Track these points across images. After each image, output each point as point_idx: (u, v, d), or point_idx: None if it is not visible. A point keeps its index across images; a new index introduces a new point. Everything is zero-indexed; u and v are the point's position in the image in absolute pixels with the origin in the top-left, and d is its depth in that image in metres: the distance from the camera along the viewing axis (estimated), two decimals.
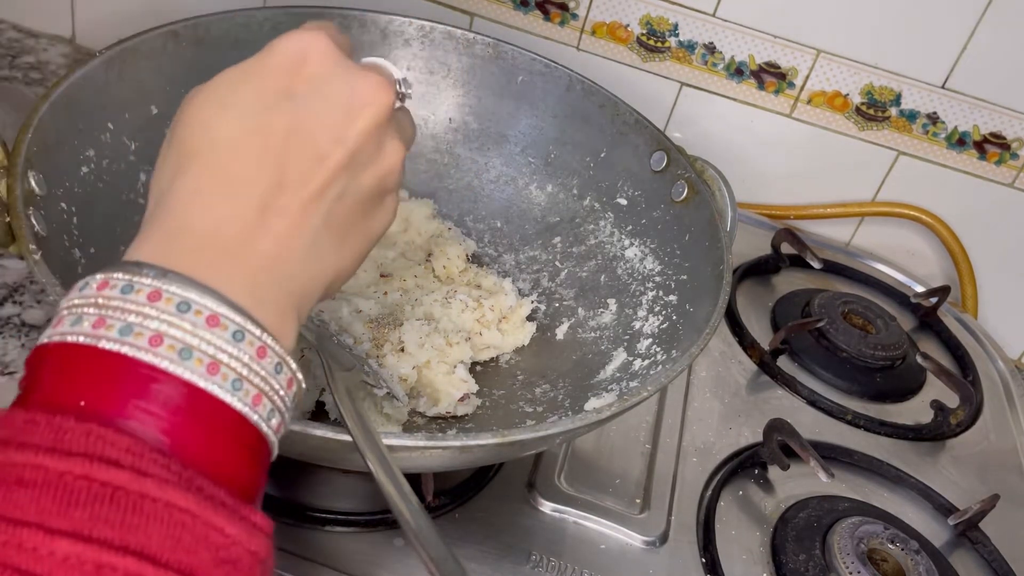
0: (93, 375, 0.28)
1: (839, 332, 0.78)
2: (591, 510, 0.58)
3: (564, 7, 0.86)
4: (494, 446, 0.42)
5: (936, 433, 0.74)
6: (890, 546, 0.60)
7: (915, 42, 0.81)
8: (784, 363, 0.77)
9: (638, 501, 0.60)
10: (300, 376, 0.32)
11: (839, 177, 0.91)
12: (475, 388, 0.60)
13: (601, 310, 0.66)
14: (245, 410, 0.29)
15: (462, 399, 0.58)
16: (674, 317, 0.60)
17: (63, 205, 0.50)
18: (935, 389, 0.79)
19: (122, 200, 0.56)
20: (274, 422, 0.31)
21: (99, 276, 0.29)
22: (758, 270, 0.87)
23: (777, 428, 0.64)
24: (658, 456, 0.64)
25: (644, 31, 0.85)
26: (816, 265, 0.82)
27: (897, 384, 0.78)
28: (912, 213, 0.89)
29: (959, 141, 0.85)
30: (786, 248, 0.86)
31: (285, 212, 0.32)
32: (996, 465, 0.73)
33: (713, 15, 0.83)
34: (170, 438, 0.27)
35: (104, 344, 0.28)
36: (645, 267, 0.65)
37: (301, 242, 0.32)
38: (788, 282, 0.87)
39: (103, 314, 0.28)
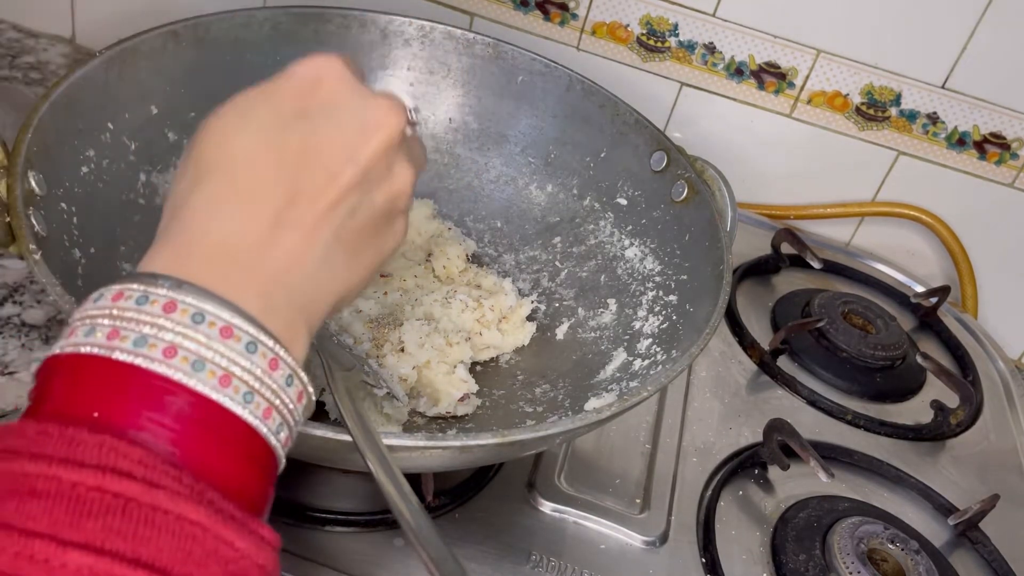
0: (106, 386, 0.28)
1: (839, 332, 0.78)
2: (591, 510, 0.58)
3: (564, 7, 0.86)
4: (494, 446, 0.42)
5: (936, 433, 0.74)
6: (890, 546, 0.60)
7: (915, 42, 0.81)
8: (784, 363, 0.77)
9: (638, 501, 0.60)
10: (311, 390, 0.32)
11: (839, 177, 0.91)
12: (475, 388, 0.60)
13: (601, 310, 0.66)
14: (255, 423, 0.29)
15: (462, 399, 0.58)
16: (674, 317, 0.60)
17: (63, 205, 0.50)
18: (935, 389, 0.79)
19: (122, 200, 0.56)
20: (283, 435, 0.31)
21: (114, 287, 0.30)
22: (758, 270, 0.87)
23: (777, 428, 0.64)
24: (658, 456, 0.64)
25: (644, 31, 0.85)
26: (816, 265, 0.82)
27: (897, 384, 0.78)
28: (912, 213, 0.89)
29: (959, 141, 0.85)
30: (786, 248, 0.86)
31: (298, 225, 0.33)
32: (996, 465, 0.73)
33: (713, 15, 0.83)
34: (181, 449, 0.27)
35: (118, 355, 0.28)
36: (645, 267, 0.65)
37: (312, 255, 0.33)
38: (788, 282, 0.87)
39: (117, 325, 0.28)
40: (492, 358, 0.64)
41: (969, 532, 0.66)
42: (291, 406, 0.31)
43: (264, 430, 0.30)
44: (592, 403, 0.57)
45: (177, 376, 0.28)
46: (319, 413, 0.57)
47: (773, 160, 0.90)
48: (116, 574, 0.24)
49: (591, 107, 0.70)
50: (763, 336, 0.79)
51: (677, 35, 0.85)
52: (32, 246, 0.42)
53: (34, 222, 0.45)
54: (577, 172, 0.71)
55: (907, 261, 0.94)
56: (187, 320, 0.29)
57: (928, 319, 0.87)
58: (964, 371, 0.83)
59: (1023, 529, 0.68)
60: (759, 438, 0.66)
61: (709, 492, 0.63)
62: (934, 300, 0.86)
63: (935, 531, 0.66)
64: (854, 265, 0.91)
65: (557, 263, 0.70)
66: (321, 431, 0.38)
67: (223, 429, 0.29)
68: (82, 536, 0.25)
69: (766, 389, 0.74)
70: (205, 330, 0.29)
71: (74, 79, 0.52)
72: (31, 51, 0.90)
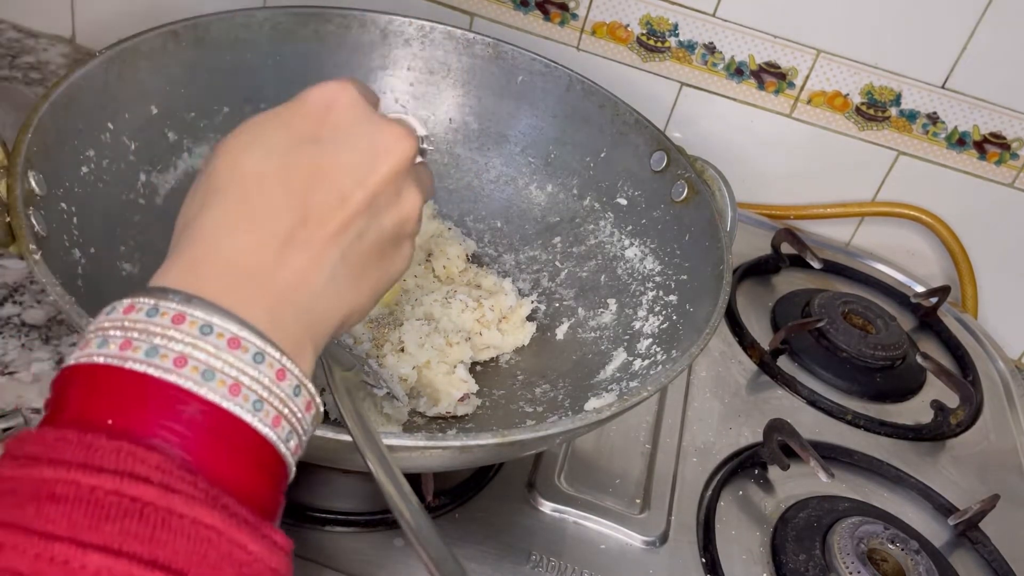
0: (120, 395, 0.28)
1: (839, 332, 0.78)
2: (591, 510, 0.58)
3: (564, 7, 0.86)
4: (494, 446, 0.42)
5: (936, 433, 0.74)
6: (890, 546, 0.60)
7: (915, 42, 0.81)
8: (784, 363, 0.77)
9: (638, 501, 0.60)
10: (319, 401, 0.33)
11: (839, 177, 0.91)
12: (475, 388, 0.60)
13: (601, 310, 0.66)
14: (265, 430, 0.30)
15: (462, 399, 0.58)
16: (674, 317, 0.60)
17: (63, 205, 0.50)
18: (935, 389, 0.79)
19: (122, 200, 0.56)
20: (292, 444, 0.31)
21: (125, 300, 0.30)
22: (758, 270, 0.87)
23: (777, 428, 0.64)
24: (658, 456, 0.64)
25: (644, 31, 0.85)
26: (816, 265, 0.82)
27: (897, 384, 0.78)
28: (912, 213, 0.89)
29: (959, 141, 0.85)
30: (786, 248, 0.86)
31: (306, 246, 0.33)
32: (996, 465, 0.73)
33: (713, 15, 0.83)
34: (193, 456, 0.28)
35: (131, 365, 0.29)
36: (645, 267, 0.65)
37: (320, 276, 0.34)
38: (788, 282, 0.87)
39: (129, 336, 0.29)
40: (492, 358, 0.64)
41: (969, 532, 0.66)
42: (300, 415, 0.32)
43: (274, 438, 0.30)
44: (592, 403, 0.57)
45: (188, 385, 0.28)
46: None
47: (773, 160, 0.90)
48: (134, 575, 0.25)
49: (591, 107, 0.70)
50: (763, 336, 0.79)
51: (677, 35, 0.85)
52: (32, 246, 0.42)
53: (34, 222, 0.45)
54: (577, 172, 0.71)
55: (907, 261, 0.94)
56: (196, 331, 0.29)
57: (928, 319, 0.87)
58: (964, 371, 0.83)
59: (1023, 529, 0.68)
60: (759, 438, 0.66)
61: (709, 492, 0.63)
62: (934, 300, 0.86)
63: (935, 531, 0.66)
64: (854, 265, 0.91)
65: (557, 263, 0.70)
66: (321, 431, 0.38)
67: (234, 437, 0.29)
68: (101, 539, 0.25)
69: (766, 389, 0.74)
70: (214, 341, 0.29)
71: (74, 79, 0.52)
72: (31, 51, 0.90)
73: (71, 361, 0.30)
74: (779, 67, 0.85)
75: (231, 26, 0.62)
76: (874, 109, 0.85)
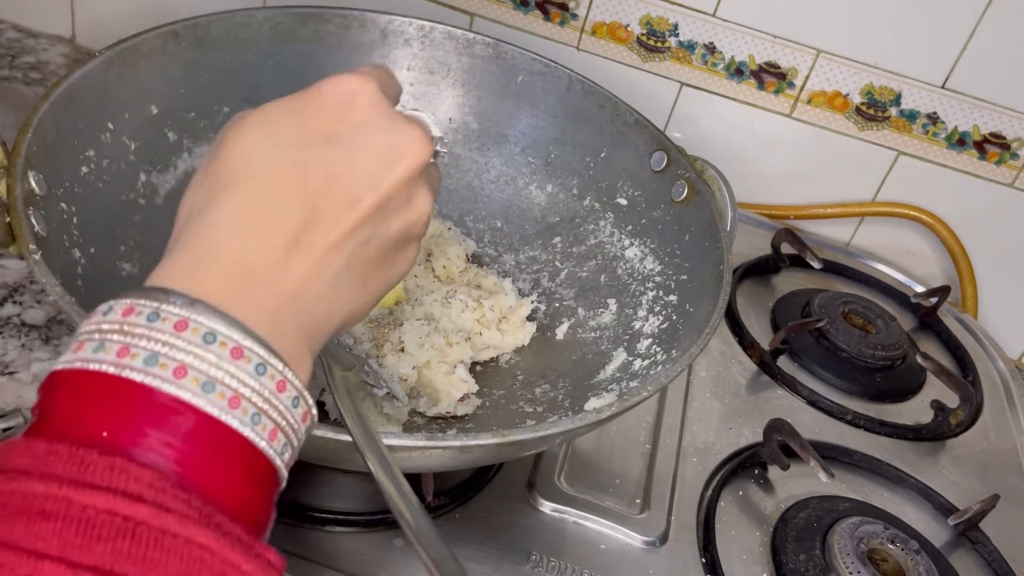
0: (116, 406, 0.28)
1: (839, 332, 0.78)
2: (591, 510, 0.58)
3: (564, 7, 0.86)
4: (494, 446, 0.42)
5: (936, 433, 0.74)
6: (890, 546, 0.59)
7: (915, 42, 0.81)
8: (784, 363, 0.77)
9: (638, 501, 0.60)
10: (315, 411, 0.32)
11: (839, 177, 0.91)
12: (475, 388, 0.60)
13: (601, 310, 0.66)
14: (262, 444, 0.29)
15: (462, 399, 0.58)
16: (674, 317, 0.60)
17: (63, 205, 0.50)
18: (935, 389, 0.79)
19: (122, 200, 0.56)
20: (286, 456, 0.31)
21: (124, 301, 0.29)
22: (758, 270, 0.87)
23: (777, 428, 0.64)
24: (658, 456, 0.64)
25: (644, 31, 0.85)
26: (816, 265, 0.82)
27: (897, 384, 0.78)
28: (912, 213, 0.89)
29: (959, 141, 0.85)
30: (786, 248, 0.86)
31: (311, 251, 0.32)
32: (996, 465, 0.73)
33: (713, 15, 0.83)
34: (188, 470, 0.27)
35: (128, 374, 0.28)
36: (645, 267, 0.65)
37: (322, 281, 0.33)
38: (788, 282, 0.87)
39: (128, 342, 0.28)
40: (492, 358, 0.64)
41: (969, 532, 0.66)
42: (296, 426, 0.31)
43: (270, 452, 0.30)
44: (592, 403, 0.57)
45: (187, 397, 0.28)
46: (319, 413, 0.56)
47: (773, 160, 0.90)
48: None
49: (591, 107, 0.70)
50: (763, 336, 0.79)
51: (677, 35, 0.85)
52: (32, 246, 0.42)
53: (34, 222, 0.45)
54: (577, 172, 0.71)
55: (907, 261, 0.94)
56: (198, 339, 0.28)
57: (928, 319, 0.87)
58: (964, 371, 0.83)
59: (1023, 529, 0.68)
60: (759, 438, 0.66)
61: (709, 492, 0.63)
62: (934, 300, 0.86)
63: (935, 531, 0.66)
64: (854, 265, 0.91)
65: (557, 263, 0.70)
66: (321, 431, 0.38)
67: (230, 451, 0.29)
68: (92, 559, 0.24)
69: (766, 389, 0.74)
70: (216, 350, 0.29)
71: (74, 79, 0.52)
72: (31, 51, 0.90)
73: (61, 365, 0.29)
74: (779, 67, 0.85)
75: (231, 26, 0.62)
76: (874, 109, 0.85)
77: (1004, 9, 0.78)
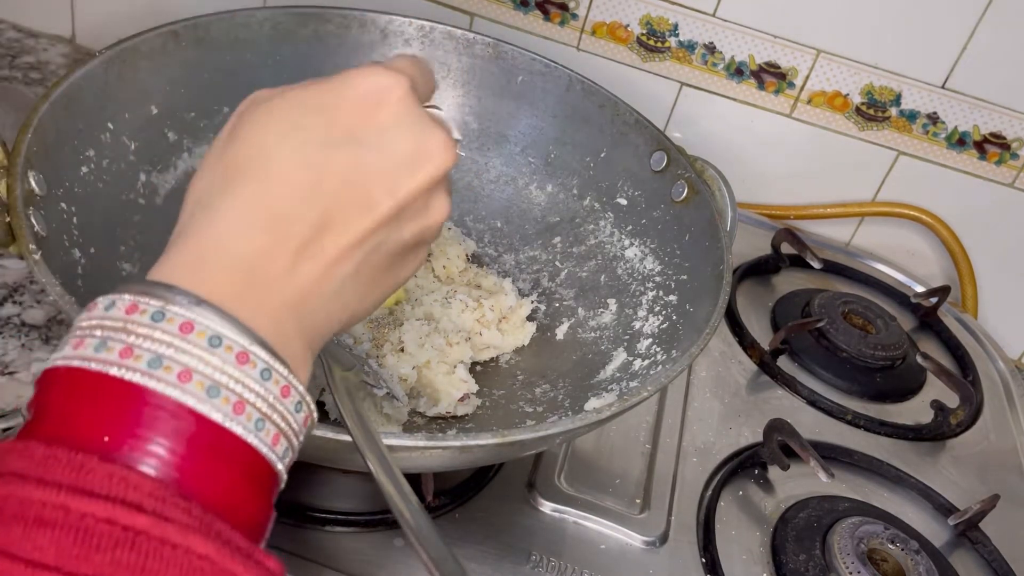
0: (117, 409, 0.27)
1: (839, 332, 0.78)
2: (591, 510, 0.58)
3: (564, 7, 0.85)
4: (494, 446, 0.42)
5: (936, 433, 0.74)
6: (890, 546, 0.59)
7: (915, 42, 0.81)
8: (784, 363, 0.77)
9: (638, 501, 0.60)
10: (316, 415, 0.32)
11: (839, 177, 0.91)
12: (475, 388, 0.60)
13: (601, 310, 0.66)
14: (264, 450, 0.29)
15: (462, 399, 0.58)
16: (674, 317, 0.60)
17: (63, 205, 0.50)
18: (935, 389, 0.79)
19: (122, 200, 0.56)
20: (287, 460, 0.31)
21: (127, 297, 0.28)
22: (758, 270, 0.87)
23: (777, 428, 0.64)
24: (658, 456, 0.64)
25: (644, 31, 0.85)
26: (816, 265, 0.82)
27: (897, 384, 0.78)
28: (912, 213, 0.89)
29: (959, 141, 0.85)
30: (786, 248, 0.86)
31: (321, 255, 0.32)
32: (996, 465, 0.73)
33: (713, 15, 0.83)
34: (188, 476, 0.27)
35: (131, 376, 0.27)
36: (645, 267, 0.65)
37: (329, 287, 0.32)
38: (788, 282, 0.87)
39: (131, 342, 0.27)
40: (492, 358, 0.64)
41: (969, 532, 0.66)
42: (297, 430, 0.31)
43: (272, 457, 0.29)
44: (592, 403, 0.57)
45: (191, 402, 0.27)
46: (319, 413, 0.56)
47: (773, 160, 0.90)
48: None
49: (591, 107, 0.70)
50: (763, 336, 0.79)
51: (677, 35, 0.85)
52: (32, 246, 0.42)
53: (34, 222, 0.45)
54: (577, 172, 0.71)
55: (907, 261, 0.94)
56: (204, 343, 0.28)
57: (928, 319, 0.87)
58: (964, 371, 0.83)
59: (1023, 529, 0.68)
60: (759, 438, 0.66)
61: (709, 492, 0.63)
62: (934, 300, 0.86)
63: (935, 531, 0.66)
64: (854, 265, 0.91)
65: (557, 263, 0.70)
66: (321, 431, 0.38)
67: (233, 456, 0.28)
68: (90, 569, 0.24)
69: (766, 389, 0.74)
70: (221, 354, 0.28)
71: (74, 79, 0.52)
72: (31, 51, 0.90)
73: (60, 361, 0.28)
74: (779, 67, 0.85)
75: (231, 26, 0.62)
76: (874, 109, 0.85)
77: (1004, 9, 0.78)
